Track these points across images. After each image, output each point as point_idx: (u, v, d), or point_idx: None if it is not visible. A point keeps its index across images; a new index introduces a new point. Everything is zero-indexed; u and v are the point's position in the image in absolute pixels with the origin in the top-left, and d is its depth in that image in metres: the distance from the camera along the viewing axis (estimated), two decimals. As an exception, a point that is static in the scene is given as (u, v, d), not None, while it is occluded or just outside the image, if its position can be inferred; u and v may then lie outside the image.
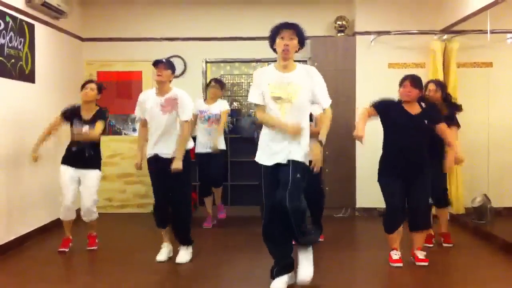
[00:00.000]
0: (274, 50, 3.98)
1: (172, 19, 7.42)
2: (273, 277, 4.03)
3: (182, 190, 4.81)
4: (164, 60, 4.73)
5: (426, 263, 4.61)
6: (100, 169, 5.26)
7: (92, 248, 5.31)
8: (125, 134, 7.49)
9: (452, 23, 6.56)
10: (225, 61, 7.83)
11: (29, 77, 5.75)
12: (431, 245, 5.28)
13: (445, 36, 6.74)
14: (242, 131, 6.54)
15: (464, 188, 6.31)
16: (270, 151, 3.94)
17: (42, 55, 6.04)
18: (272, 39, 3.95)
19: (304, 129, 3.94)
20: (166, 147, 4.72)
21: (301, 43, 3.96)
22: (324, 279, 4.31)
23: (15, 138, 5.44)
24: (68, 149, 5.22)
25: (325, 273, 4.47)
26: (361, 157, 6.91)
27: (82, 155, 5.10)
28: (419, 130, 4.57)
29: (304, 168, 3.91)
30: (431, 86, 5.25)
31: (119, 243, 5.57)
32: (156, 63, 4.70)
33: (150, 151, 4.78)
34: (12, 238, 5.32)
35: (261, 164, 3.99)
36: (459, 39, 6.69)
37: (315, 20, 7.36)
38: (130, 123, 7.47)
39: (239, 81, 8.22)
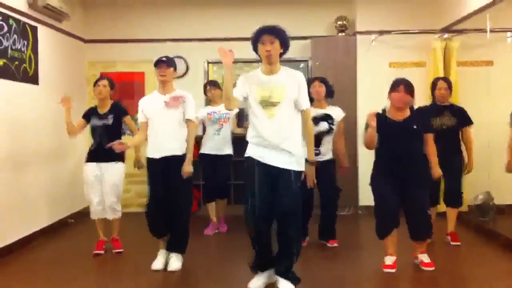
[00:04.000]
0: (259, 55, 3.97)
1: (174, 20, 7.47)
2: (255, 271, 4.09)
3: (185, 191, 4.66)
4: (164, 58, 4.66)
5: (432, 268, 4.46)
6: (122, 161, 5.23)
7: (119, 250, 5.25)
8: (128, 134, 7.49)
9: (452, 22, 6.59)
10: (226, 62, 7.85)
11: (33, 79, 5.79)
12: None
13: (446, 35, 6.77)
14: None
15: (467, 185, 6.33)
16: None
17: (45, 57, 6.07)
18: (253, 45, 3.96)
19: (294, 133, 3.95)
20: (171, 145, 4.57)
21: (284, 45, 3.93)
22: (326, 277, 4.34)
23: (19, 139, 5.48)
24: (90, 149, 5.29)
25: (327, 272, 4.51)
26: (363, 155, 6.94)
27: (102, 148, 5.06)
28: (408, 136, 4.40)
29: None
30: (442, 84, 5.28)
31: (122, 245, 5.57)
32: (157, 63, 4.63)
33: (152, 153, 4.62)
34: (15, 239, 5.35)
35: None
36: (459, 38, 6.72)
37: (316, 20, 7.40)
38: (134, 124, 7.47)
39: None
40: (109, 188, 5.13)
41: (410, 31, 6.98)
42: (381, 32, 7.01)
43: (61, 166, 6.53)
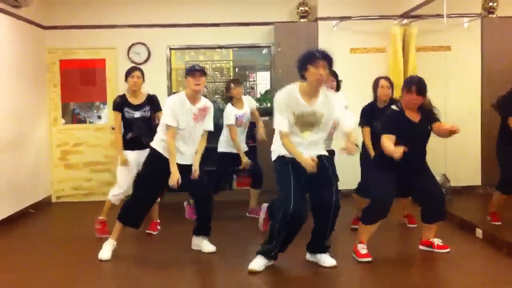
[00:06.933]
0: (302, 75, 4.03)
1: (135, 6, 7.37)
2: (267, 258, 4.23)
3: (207, 184, 4.76)
4: (198, 67, 4.55)
5: (447, 250, 4.55)
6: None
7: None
8: (90, 122, 7.45)
9: (411, 8, 6.69)
10: (189, 48, 7.81)
11: (-10, 67, 5.68)
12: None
13: (405, 21, 6.89)
14: None
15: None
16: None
17: (3, 45, 5.96)
18: (303, 65, 4.00)
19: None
20: (192, 157, 4.65)
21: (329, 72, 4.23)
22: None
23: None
24: (124, 137, 5.18)
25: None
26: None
27: (139, 140, 5.14)
28: (423, 137, 4.49)
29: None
30: (384, 83, 5.21)
31: (84, 232, 5.55)
32: (193, 71, 4.49)
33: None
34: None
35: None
36: (418, 23, 6.85)
37: (278, 5, 7.43)
38: (94, 111, 7.43)
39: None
40: None
41: (370, 17, 7.08)
42: (342, 18, 7.09)
43: (22, 155, 6.44)
